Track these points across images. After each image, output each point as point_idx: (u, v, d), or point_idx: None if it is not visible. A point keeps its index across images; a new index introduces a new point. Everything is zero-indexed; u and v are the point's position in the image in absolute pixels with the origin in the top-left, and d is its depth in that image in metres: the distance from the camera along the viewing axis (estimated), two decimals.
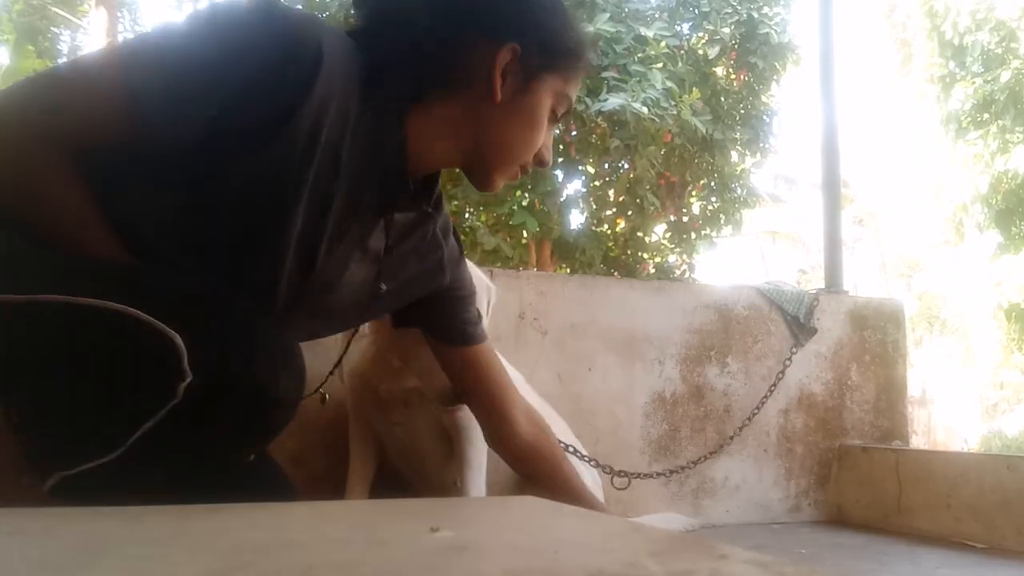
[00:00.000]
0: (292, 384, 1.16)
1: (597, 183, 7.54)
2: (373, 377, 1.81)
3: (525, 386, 2.08)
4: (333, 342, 2.10)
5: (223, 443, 1.12)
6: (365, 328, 1.78)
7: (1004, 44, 11.92)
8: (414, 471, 1.97)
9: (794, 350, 2.74)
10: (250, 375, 1.11)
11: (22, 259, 1.09)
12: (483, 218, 7.22)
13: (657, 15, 7.36)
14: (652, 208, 7.19)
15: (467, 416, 1.82)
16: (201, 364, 1.02)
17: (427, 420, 1.86)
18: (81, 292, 1.02)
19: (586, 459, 2.08)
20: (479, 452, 1.83)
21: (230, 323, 1.14)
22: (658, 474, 2.44)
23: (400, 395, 1.82)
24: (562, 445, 2.01)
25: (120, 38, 9.51)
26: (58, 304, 1.00)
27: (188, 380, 1.01)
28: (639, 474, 2.29)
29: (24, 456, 1.06)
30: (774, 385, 2.68)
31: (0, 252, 1.09)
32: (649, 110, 6.16)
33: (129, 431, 1.03)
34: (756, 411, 2.64)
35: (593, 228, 7.67)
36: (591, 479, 2.06)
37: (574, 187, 7.47)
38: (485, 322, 1.80)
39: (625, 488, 2.14)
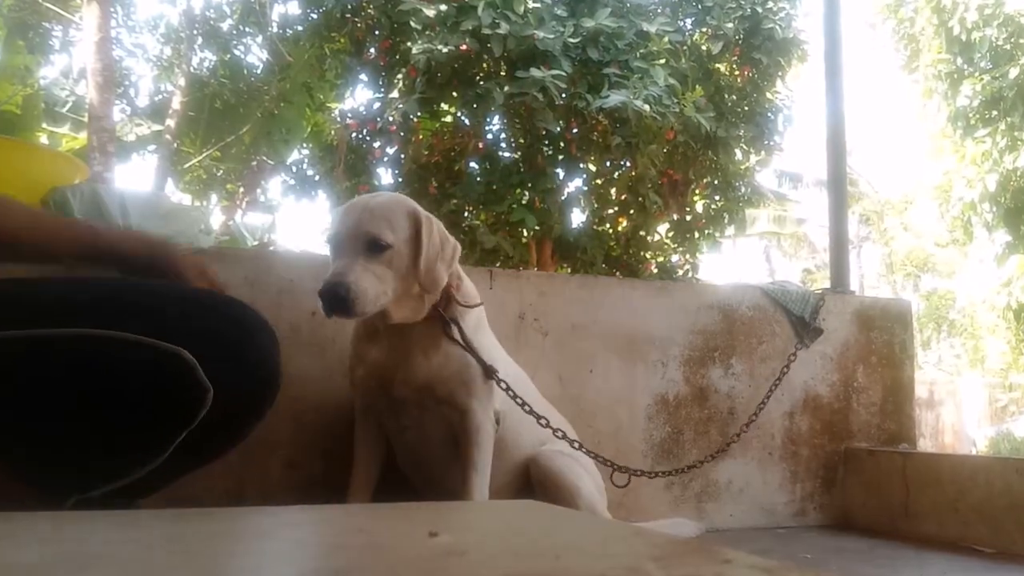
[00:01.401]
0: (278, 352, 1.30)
1: (598, 181, 7.53)
2: (390, 369, 1.80)
3: (530, 386, 2.08)
4: (339, 338, 2.11)
5: (241, 423, 1.19)
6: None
7: (1013, 40, 11.92)
8: (423, 476, 1.98)
9: (798, 346, 2.73)
10: (265, 368, 1.21)
11: (18, 295, 1.14)
12: (482, 217, 7.22)
13: (659, 10, 7.35)
14: (654, 207, 7.18)
15: (477, 419, 1.82)
16: (224, 369, 1.08)
17: (438, 424, 1.86)
18: (78, 321, 1.06)
19: (591, 454, 2.08)
20: (485, 456, 1.83)
21: (234, 321, 1.21)
22: (664, 473, 2.44)
23: (414, 397, 1.82)
24: (565, 437, 2.01)
25: (113, 34, 9.51)
26: (65, 336, 1.04)
27: (211, 396, 1.06)
28: (639, 471, 2.29)
29: (24, 481, 1.08)
30: (778, 380, 2.67)
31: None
32: (651, 107, 6.15)
33: (159, 447, 1.08)
34: (761, 406, 2.63)
35: (594, 227, 7.66)
36: (593, 480, 2.06)
37: (575, 185, 7.46)
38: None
39: (625, 485, 2.13)
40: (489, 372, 1.84)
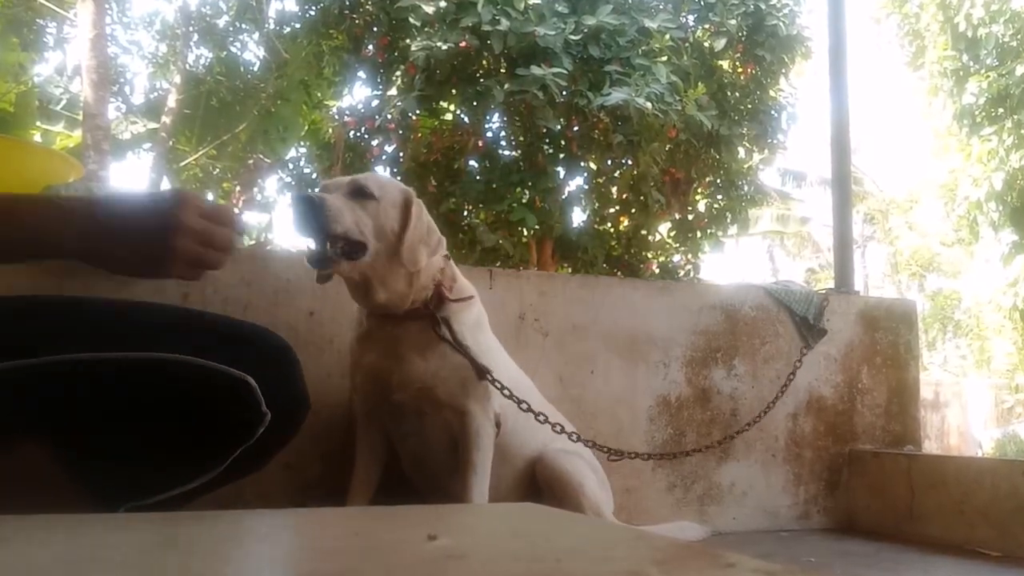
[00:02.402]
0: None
1: (600, 180, 7.53)
2: (386, 372, 1.80)
3: (534, 391, 2.08)
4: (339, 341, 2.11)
5: (272, 447, 1.26)
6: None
7: (1019, 37, 11.92)
8: (427, 482, 1.98)
9: (804, 351, 2.73)
10: (303, 396, 1.35)
11: (100, 319, 1.22)
12: (482, 216, 7.22)
13: (661, 7, 7.36)
14: (656, 206, 7.19)
15: (476, 422, 1.82)
16: (270, 395, 1.14)
17: (439, 431, 1.86)
18: (147, 345, 1.15)
19: (588, 443, 2.08)
20: (485, 458, 1.83)
21: (279, 353, 1.28)
22: (648, 456, 2.42)
23: (413, 403, 1.82)
24: (563, 431, 2.01)
25: (108, 30, 9.52)
26: (144, 359, 1.10)
27: (268, 418, 1.12)
28: (634, 454, 2.29)
29: (85, 489, 1.13)
30: (784, 387, 2.67)
31: (53, 312, 1.22)
32: (653, 105, 6.15)
33: (214, 462, 1.20)
34: (768, 408, 2.62)
35: (595, 226, 7.66)
36: (596, 480, 2.06)
37: (576, 184, 7.47)
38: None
39: (618, 460, 2.14)
40: (481, 372, 1.81)
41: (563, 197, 7.19)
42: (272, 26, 11.01)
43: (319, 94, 10.48)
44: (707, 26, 7.53)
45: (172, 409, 1.15)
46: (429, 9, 6.47)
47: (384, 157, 7.41)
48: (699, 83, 6.77)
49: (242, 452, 1.21)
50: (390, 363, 1.80)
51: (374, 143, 7.34)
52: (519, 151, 7.23)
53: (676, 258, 8.39)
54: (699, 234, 8.08)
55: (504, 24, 6.17)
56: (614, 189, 7.57)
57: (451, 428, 1.85)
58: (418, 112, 6.95)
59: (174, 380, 1.15)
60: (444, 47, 6.28)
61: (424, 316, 1.80)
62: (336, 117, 8.25)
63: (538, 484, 2.01)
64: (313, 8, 7.84)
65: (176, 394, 1.15)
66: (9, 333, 1.11)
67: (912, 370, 2.94)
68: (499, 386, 1.85)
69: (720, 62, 7.60)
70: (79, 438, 1.12)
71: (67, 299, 1.30)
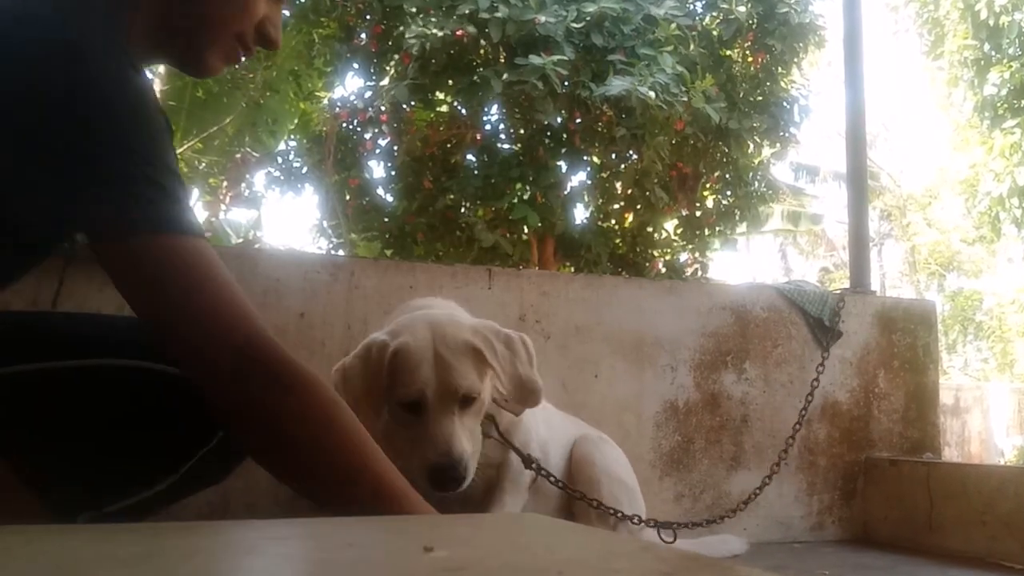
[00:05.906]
0: None
1: (603, 175, 7.52)
2: None
3: (561, 422, 2.10)
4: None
5: (232, 458, 1.26)
6: None
7: None
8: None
9: (825, 355, 2.73)
10: None
11: (34, 328, 1.27)
12: (480, 213, 7.22)
13: None
14: (662, 202, 7.18)
15: (513, 472, 1.85)
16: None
17: (482, 482, 1.86)
18: (112, 354, 1.18)
19: (631, 518, 2.07)
20: (515, 503, 1.87)
21: None
22: (708, 522, 2.43)
23: None
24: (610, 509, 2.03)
25: None
26: (95, 365, 1.13)
27: (223, 432, 1.18)
28: (688, 524, 2.29)
29: (42, 498, 1.15)
30: (810, 396, 2.68)
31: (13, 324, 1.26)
32: (657, 95, 6.14)
33: (175, 466, 1.21)
34: (797, 428, 2.63)
35: (599, 223, 7.66)
36: (625, 467, 2.09)
37: (578, 179, 7.46)
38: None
39: (672, 542, 2.13)
40: (527, 462, 1.83)
41: (565, 193, 7.19)
42: None
43: (310, 85, 10.47)
44: (715, 14, 7.53)
45: (128, 415, 1.18)
46: None
47: (377, 151, 7.41)
48: (707, 74, 6.76)
49: (204, 458, 1.23)
50: None
51: (367, 136, 7.35)
52: (519, 145, 7.23)
53: (683, 257, 8.39)
54: (707, 232, 8.07)
55: (502, 11, 6.17)
56: (618, 184, 7.57)
57: (487, 476, 1.85)
58: (413, 104, 6.95)
59: (127, 386, 1.18)
60: (440, 35, 6.28)
61: None
62: (327, 109, 8.26)
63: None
64: None
65: (131, 400, 1.18)
66: None
67: (931, 374, 2.94)
68: (544, 474, 1.88)
69: (729, 52, 7.59)
70: (33, 447, 1.14)
71: (30, 314, 1.40)
